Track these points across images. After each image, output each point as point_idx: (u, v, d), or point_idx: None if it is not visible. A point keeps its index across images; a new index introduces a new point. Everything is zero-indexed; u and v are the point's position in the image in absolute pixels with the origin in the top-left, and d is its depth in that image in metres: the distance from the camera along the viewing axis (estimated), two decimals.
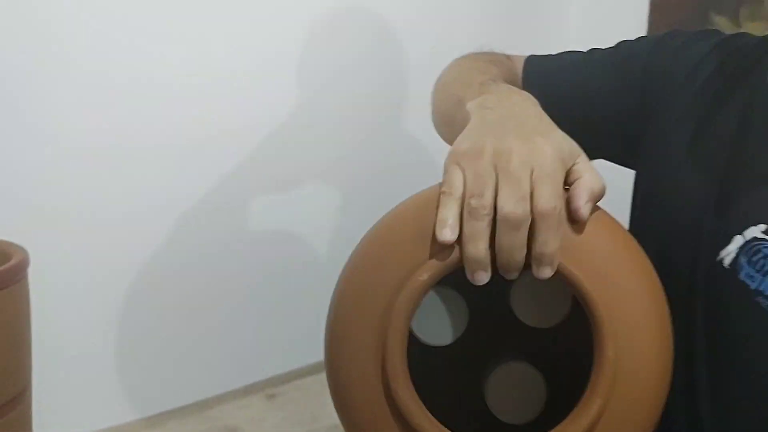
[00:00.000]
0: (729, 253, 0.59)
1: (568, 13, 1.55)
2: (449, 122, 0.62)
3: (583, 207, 0.44)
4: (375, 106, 1.28)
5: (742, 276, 0.58)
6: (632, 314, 0.48)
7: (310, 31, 1.17)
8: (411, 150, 1.31)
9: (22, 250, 0.71)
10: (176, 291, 1.10)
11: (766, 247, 0.57)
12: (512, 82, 0.70)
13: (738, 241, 0.59)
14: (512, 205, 0.43)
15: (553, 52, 0.78)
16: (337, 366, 0.50)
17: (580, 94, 0.72)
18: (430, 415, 0.47)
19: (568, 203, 0.44)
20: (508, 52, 0.78)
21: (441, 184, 0.45)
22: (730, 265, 0.59)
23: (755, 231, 0.58)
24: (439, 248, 0.47)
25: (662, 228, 0.67)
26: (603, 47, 0.75)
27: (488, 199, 0.43)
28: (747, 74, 0.63)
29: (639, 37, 0.74)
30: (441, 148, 0.56)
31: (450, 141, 0.52)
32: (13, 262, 0.69)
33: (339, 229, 1.25)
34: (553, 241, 0.43)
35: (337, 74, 1.22)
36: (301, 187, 1.21)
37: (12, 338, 0.69)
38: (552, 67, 0.75)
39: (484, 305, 0.60)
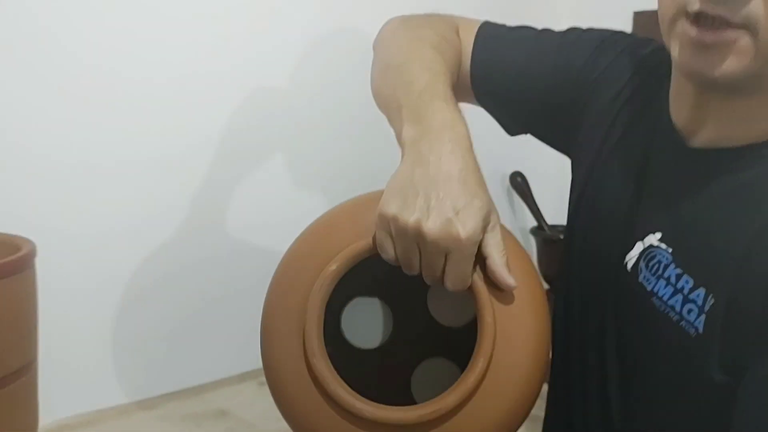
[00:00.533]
0: (632, 257, 0.67)
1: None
2: (385, 112, 0.71)
3: (507, 281, 0.58)
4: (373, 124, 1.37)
5: (640, 278, 0.66)
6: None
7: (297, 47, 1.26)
8: None
9: (30, 242, 0.82)
10: (178, 286, 1.18)
11: (659, 254, 0.64)
12: (458, 65, 0.77)
13: (639, 246, 0.67)
14: (430, 279, 0.58)
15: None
16: (268, 351, 0.60)
17: (522, 74, 0.79)
18: (343, 383, 0.56)
19: (494, 274, 0.58)
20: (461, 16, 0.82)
21: (374, 241, 0.58)
22: (632, 268, 0.67)
23: (652, 239, 0.66)
24: (347, 242, 0.57)
25: (586, 224, 0.75)
26: (555, 30, 0.81)
27: (415, 267, 0.57)
28: (656, 95, 0.71)
29: (587, 29, 0.80)
30: None
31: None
32: (21, 252, 0.79)
33: None
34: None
35: (329, 86, 1.31)
36: (297, 188, 1.31)
37: (20, 317, 0.79)
38: (502, 42, 0.80)
39: (408, 312, 0.70)
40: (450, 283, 0.57)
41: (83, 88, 1.05)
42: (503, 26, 0.83)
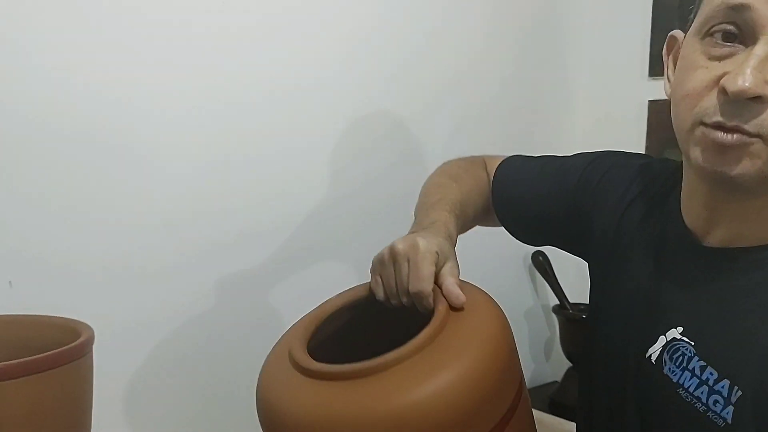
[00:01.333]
0: (655, 350, 0.72)
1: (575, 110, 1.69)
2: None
3: (458, 297, 0.70)
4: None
5: (665, 370, 0.70)
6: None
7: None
8: None
9: (89, 328, 0.87)
10: (228, 369, 1.23)
11: (682, 347, 0.69)
12: (476, 189, 0.96)
13: (662, 340, 0.71)
14: (401, 289, 0.73)
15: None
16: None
17: (531, 198, 0.94)
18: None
19: (447, 292, 0.71)
20: (494, 153, 1.01)
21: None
22: (656, 360, 0.71)
23: (674, 333, 0.70)
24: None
25: (608, 319, 0.80)
26: (564, 156, 0.95)
27: (394, 286, 0.74)
28: (665, 199, 0.77)
29: (578, 154, 0.93)
30: None
31: None
32: (81, 339, 0.85)
33: None
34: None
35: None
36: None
37: (77, 400, 0.84)
38: (516, 172, 0.97)
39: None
40: (411, 285, 0.71)
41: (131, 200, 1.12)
42: (520, 158, 0.99)
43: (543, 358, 1.81)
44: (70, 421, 0.82)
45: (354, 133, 1.35)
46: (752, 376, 0.61)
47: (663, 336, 0.71)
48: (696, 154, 0.64)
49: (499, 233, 1.01)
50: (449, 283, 0.71)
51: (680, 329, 0.69)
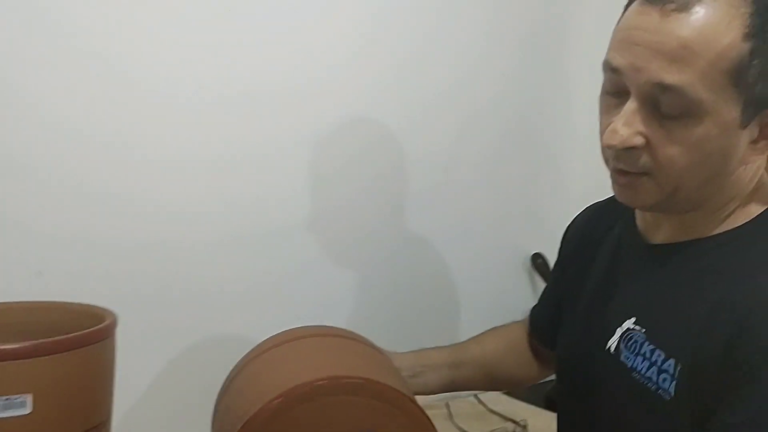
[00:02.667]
0: (614, 342, 0.81)
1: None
2: None
3: None
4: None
5: (622, 358, 0.79)
6: None
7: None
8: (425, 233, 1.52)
9: (112, 314, 0.95)
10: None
11: (635, 334, 0.78)
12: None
13: (618, 332, 0.81)
14: None
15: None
16: None
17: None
18: None
19: None
20: None
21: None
22: (614, 351, 0.80)
23: (629, 323, 0.80)
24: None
25: (571, 320, 0.91)
26: None
27: None
28: (627, 209, 0.87)
29: None
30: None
31: None
32: (105, 322, 0.93)
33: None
34: None
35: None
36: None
37: (100, 379, 0.92)
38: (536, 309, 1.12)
39: None
40: None
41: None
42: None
43: None
44: (95, 397, 0.90)
45: (354, 135, 1.41)
46: (688, 349, 0.71)
47: (619, 327, 0.80)
48: (613, 188, 0.79)
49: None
50: None
51: (633, 319, 0.79)
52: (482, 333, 1.10)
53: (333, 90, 1.36)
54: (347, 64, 1.38)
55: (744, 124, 0.70)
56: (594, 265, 0.90)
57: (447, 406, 1.43)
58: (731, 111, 0.69)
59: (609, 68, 0.73)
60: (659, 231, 0.82)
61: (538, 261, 1.74)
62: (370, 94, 1.42)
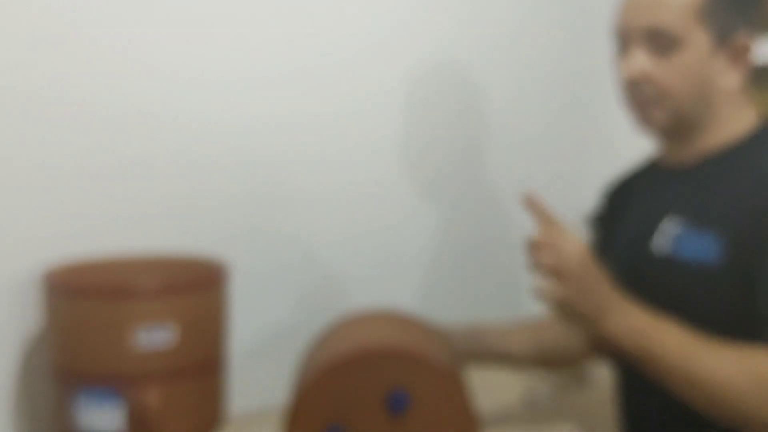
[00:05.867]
0: (657, 242, 0.98)
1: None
2: None
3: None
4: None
5: (666, 249, 0.96)
6: None
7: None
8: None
9: (226, 264, 1.14)
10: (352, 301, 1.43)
11: (675, 225, 0.96)
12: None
13: (659, 230, 0.98)
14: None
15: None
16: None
17: None
18: None
19: None
20: None
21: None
22: (656, 247, 0.98)
23: (668, 221, 0.97)
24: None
25: (620, 239, 1.06)
26: None
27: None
28: (646, 166, 1.09)
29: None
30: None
31: None
32: (220, 271, 1.12)
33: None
34: None
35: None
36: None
37: (217, 320, 1.09)
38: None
39: None
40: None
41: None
42: None
43: None
44: (215, 335, 1.10)
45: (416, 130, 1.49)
46: (727, 224, 0.89)
47: (660, 227, 0.98)
48: (635, 119, 0.99)
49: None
50: None
51: (673, 216, 0.97)
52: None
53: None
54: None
55: (716, 51, 0.93)
56: (630, 204, 1.06)
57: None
58: (704, 42, 0.92)
59: (615, 33, 0.97)
60: (677, 159, 1.00)
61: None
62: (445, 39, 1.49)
